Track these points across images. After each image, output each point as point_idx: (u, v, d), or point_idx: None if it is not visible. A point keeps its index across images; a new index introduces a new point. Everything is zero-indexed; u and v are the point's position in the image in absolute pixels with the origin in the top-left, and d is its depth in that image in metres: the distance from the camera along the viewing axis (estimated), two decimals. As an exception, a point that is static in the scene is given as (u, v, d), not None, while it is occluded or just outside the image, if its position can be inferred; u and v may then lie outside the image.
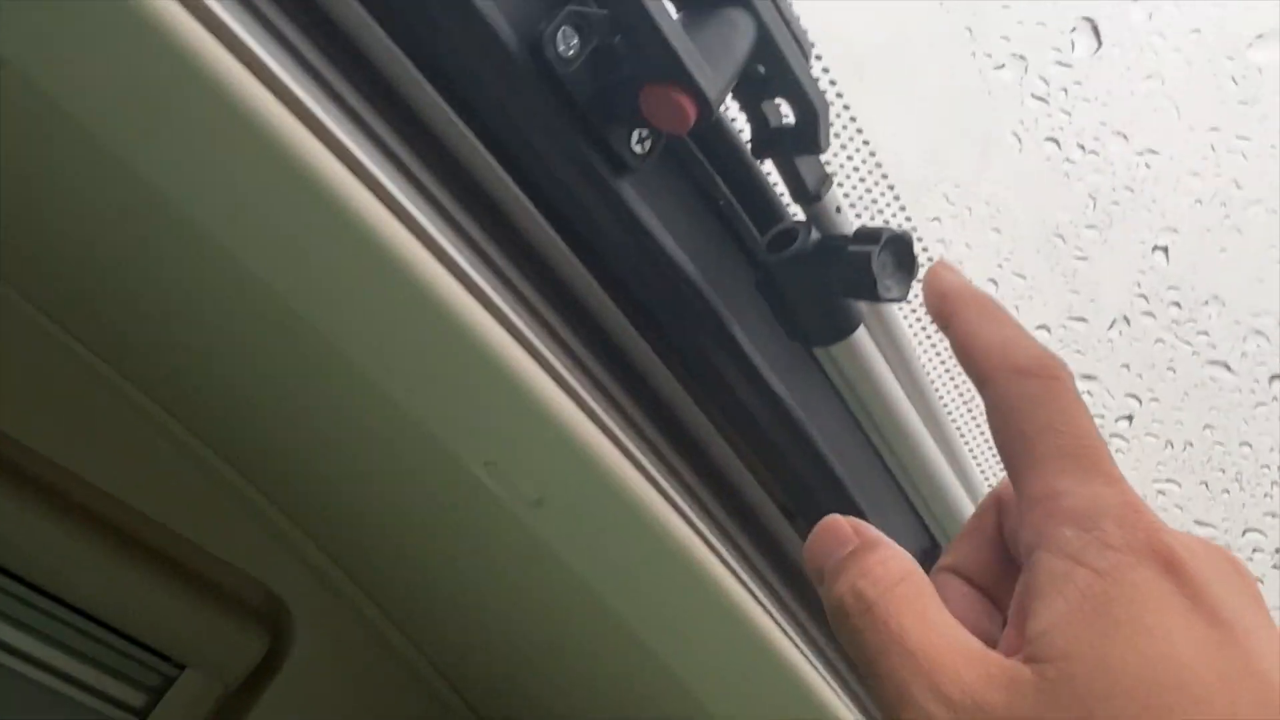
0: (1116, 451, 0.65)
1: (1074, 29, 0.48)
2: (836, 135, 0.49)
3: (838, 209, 0.47)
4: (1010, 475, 0.32)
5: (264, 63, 0.33)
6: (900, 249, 0.43)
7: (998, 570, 0.34)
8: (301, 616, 0.82)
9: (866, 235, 0.43)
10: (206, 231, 0.42)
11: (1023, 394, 0.32)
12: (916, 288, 0.43)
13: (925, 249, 0.55)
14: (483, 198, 0.42)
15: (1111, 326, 0.62)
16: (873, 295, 0.42)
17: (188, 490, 0.76)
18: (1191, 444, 0.70)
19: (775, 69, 0.42)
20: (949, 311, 0.35)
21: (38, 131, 0.46)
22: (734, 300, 0.47)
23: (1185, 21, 0.51)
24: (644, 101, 0.39)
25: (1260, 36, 0.52)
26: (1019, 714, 0.27)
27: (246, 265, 0.43)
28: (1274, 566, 0.79)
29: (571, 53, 0.39)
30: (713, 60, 0.39)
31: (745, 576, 0.51)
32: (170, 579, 0.75)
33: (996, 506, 0.35)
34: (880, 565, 0.31)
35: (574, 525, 0.50)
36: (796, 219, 0.48)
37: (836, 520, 0.33)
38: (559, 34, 0.39)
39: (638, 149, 0.42)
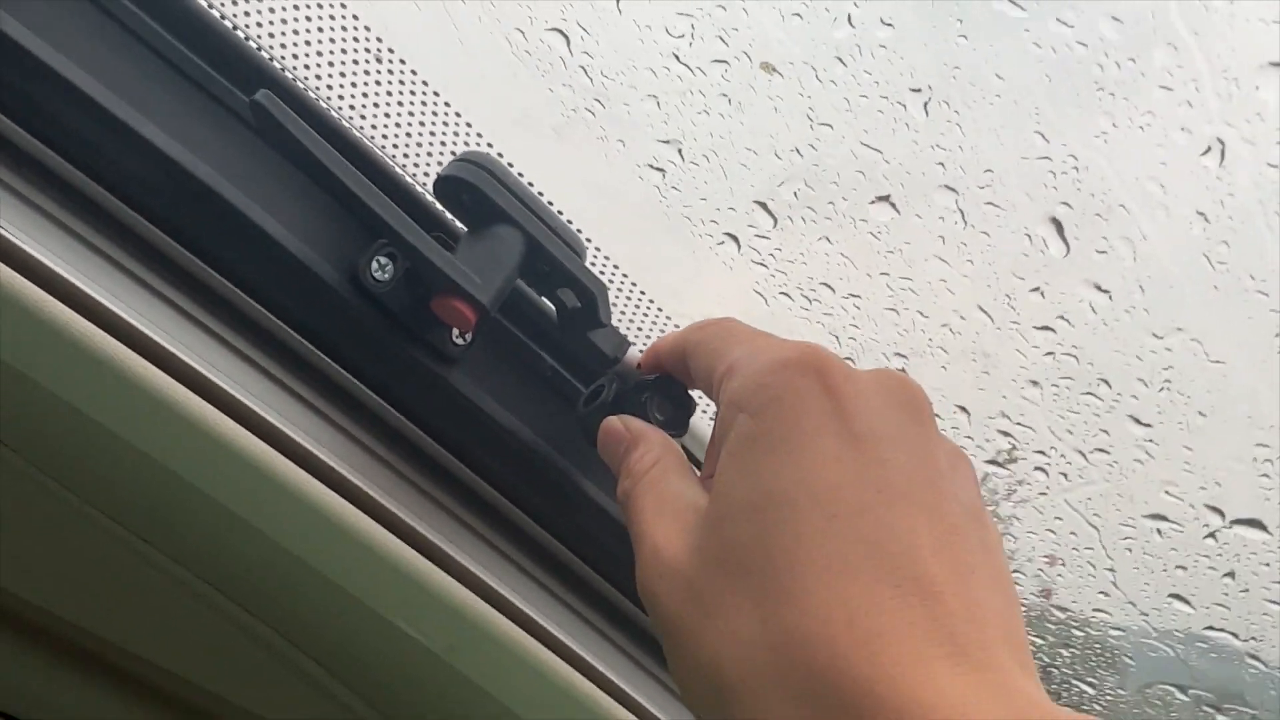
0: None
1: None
2: (636, 304, 0.59)
3: (638, 364, 0.57)
4: (712, 388, 0.37)
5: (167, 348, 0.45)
6: (674, 391, 0.52)
7: None
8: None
9: (648, 385, 0.53)
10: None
11: (705, 334, 0.39)
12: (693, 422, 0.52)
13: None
14: (349, 401, 0.53)
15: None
16: (660, 431, 0.52)
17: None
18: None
19: (552, 267, 0.53)
20: (654, 364, 0.46)
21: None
22: (562, 446, 0.56)
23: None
24: (435, 309, 0.50)
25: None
26: (689, 555, 0.31)
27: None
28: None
29: (386, 276, 0.50)
30: (484, 271, 0.50)
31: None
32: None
33: None
34: (638, 461, 0.36)
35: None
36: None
37: (612, 422, 0.41)
38: (374, 263, 0.50)
39: (459, 341, 0.53)
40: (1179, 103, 0.53)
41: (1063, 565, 0.88)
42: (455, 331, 0.53)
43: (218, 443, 0.46)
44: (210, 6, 0.46)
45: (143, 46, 0.47)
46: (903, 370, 0.68)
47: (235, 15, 0.46)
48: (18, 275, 0.41)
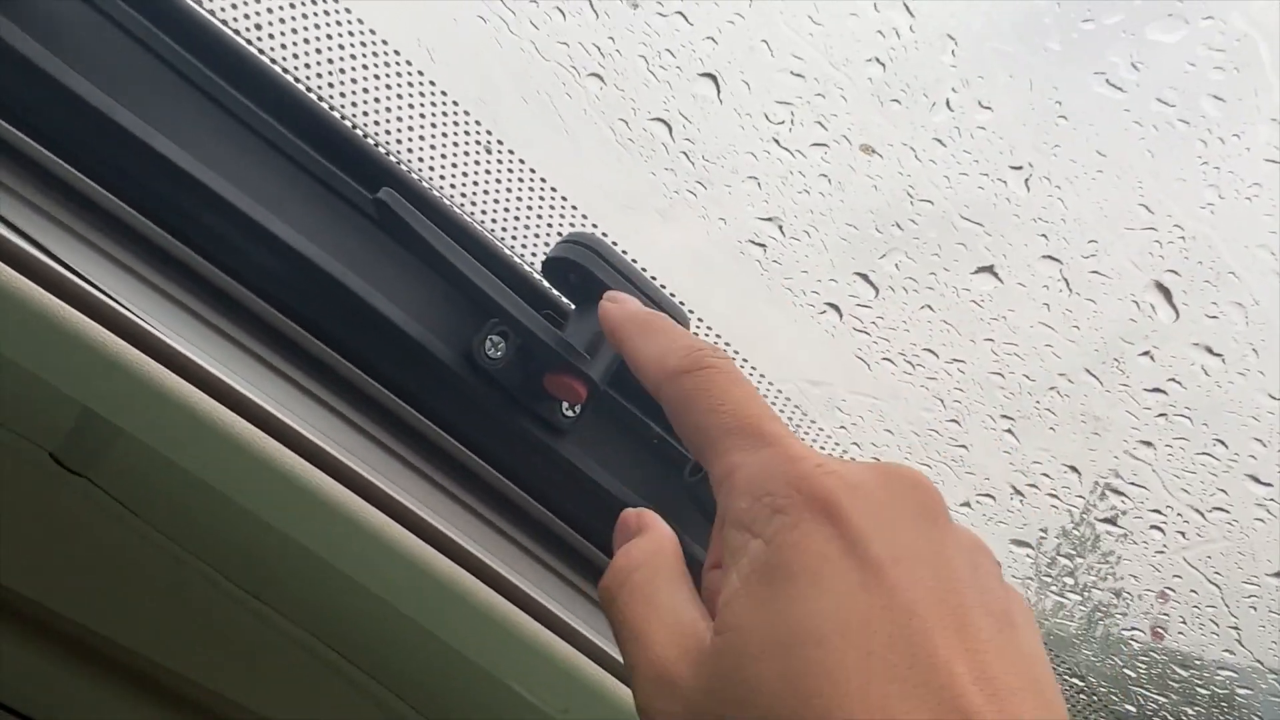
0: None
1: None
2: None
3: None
4: (702, 465, 0.34)
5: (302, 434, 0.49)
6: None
7: None
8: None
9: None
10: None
11: (683, 390, 0.35)
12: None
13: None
14: (472, 480, 0.56)
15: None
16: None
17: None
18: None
19: (659, 341, 0.55)
20: (617, 341, 0.39)
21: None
22: (670, 511, 0.59)
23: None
24: (547, 385, 0.52)
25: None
26: (696, 683, 0.29)
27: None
28: None
29: (498, 354, 0.53)
30: (593, 347, 0.52)
31: None
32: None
33: None
34: (624, 556, 0.34)
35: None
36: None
37: (625, 514, 0.37)
38: (487, 342, 0.53)
39: (569, 414, 0.56)
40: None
41: (1174, 602, 0.86)
42: (565, 404, 0.56)
43: (324, 503, 0.49)
44: (333, 109, 0.50)
45: (277, 154, 0.51)
46: (1008, 432, 0.69)
47: (356, 116, 0.50)
48: (171, 374, 0.45)
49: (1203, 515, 0.71)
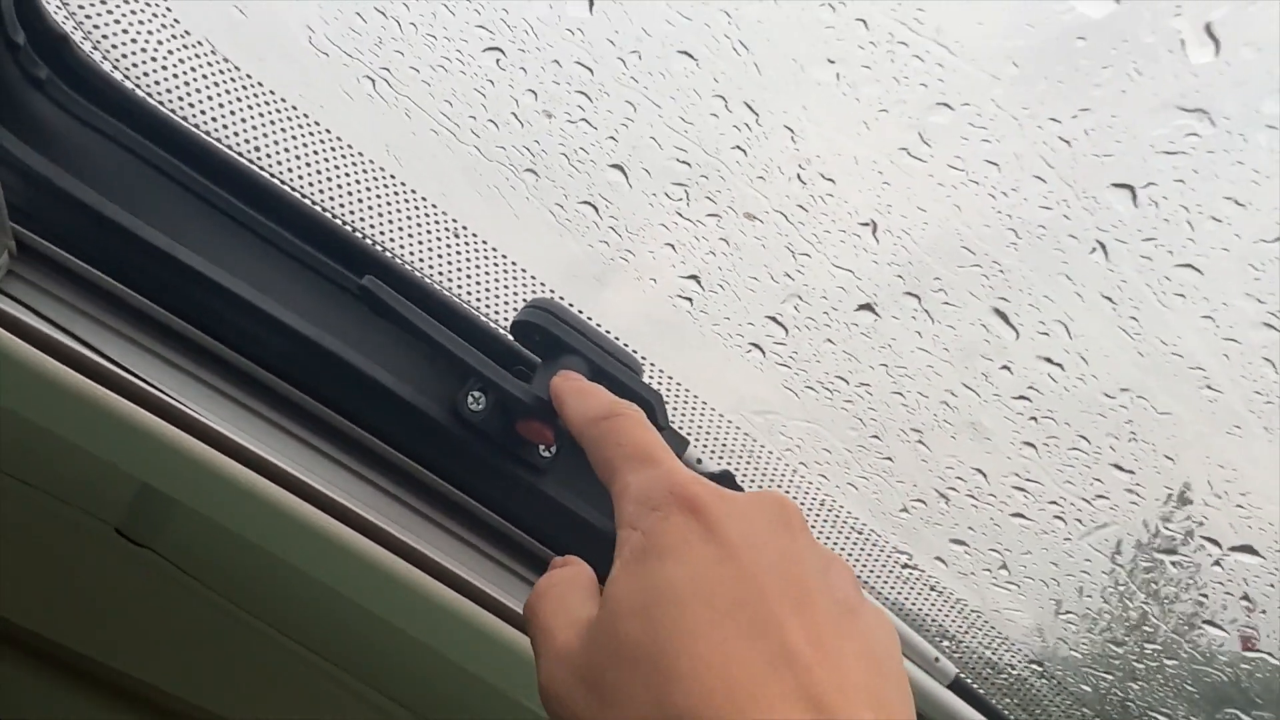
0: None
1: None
2: (691, 407, 0.71)
3: (698, 460, 0.69)
4: (608, 489, 0.40)
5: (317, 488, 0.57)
6: (726, 482, 0.64)
7: None
8: None
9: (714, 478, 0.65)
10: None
11: (598, 431, 0.42)
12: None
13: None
14: (470, 519, 0.64)
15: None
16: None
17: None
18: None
19: (613, 384, 0.65)
20: (559, 404, 0.48)
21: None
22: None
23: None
24: (520, 430, 0.62)
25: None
26: (582, 651, 0.34)
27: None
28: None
29: (479, 407, 0.63)
30: (558, 396, 0.62)
31: None
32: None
33: None
34: (545, 579, 0.40)
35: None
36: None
37: (554, 560, 0.44)
38: (469, 398, 0.63)
39: (546, 454, 0.65)
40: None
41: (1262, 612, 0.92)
42: (541, 446, 0.65)
43: (338, 545, 0.56)
44: (316, 204, 0.61)
45: (280, 254, 0.62)
46: (920, 443, 0.80)
47: (343, 211, 0.62)
48: (208, 448, 0.53)
49: (1089, 502, 0.82)
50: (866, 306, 0.72)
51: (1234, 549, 0.83)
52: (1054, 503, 0.83)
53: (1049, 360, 0.75)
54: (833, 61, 0.63)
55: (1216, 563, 0.84)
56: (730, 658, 0.31)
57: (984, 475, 0.80)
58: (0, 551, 0.67)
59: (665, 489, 0.36)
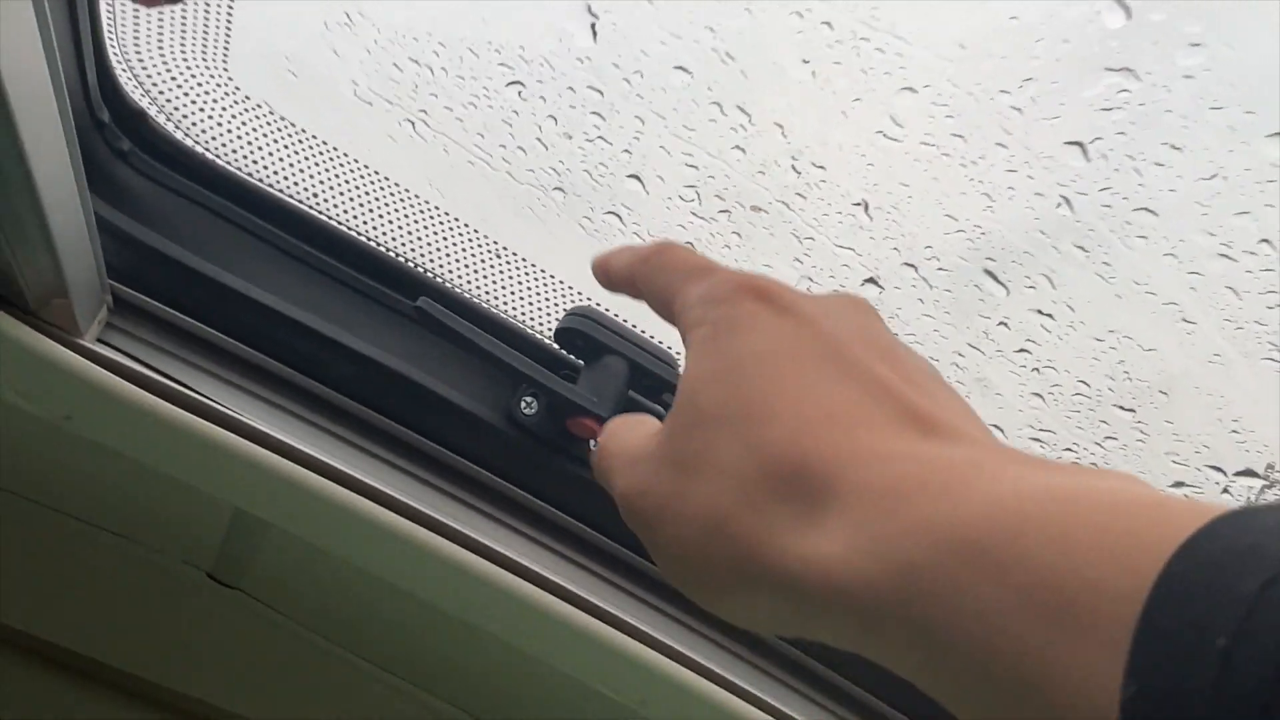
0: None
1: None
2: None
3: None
4: (672, 318, 0.37)
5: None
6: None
7: None
8: None
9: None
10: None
11: (649, 269, 0.39)
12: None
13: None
14: (518, 508, 0.70)
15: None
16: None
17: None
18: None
19: (653, 380, 0.71)
20: (602, 269, 0.42)
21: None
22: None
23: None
24: (570, 427, 0.68)
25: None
26: (655, 445, 0.33)
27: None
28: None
29: (532, 410, 0.69)
30: (601, 393, 0.68)
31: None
32: None
33: None
34: (606, 431, 0.38)
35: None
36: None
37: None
38: (522, 402, 0.69)
39: (594, 447, 0.71)
40: None
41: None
42: (592, 441, 0.71)
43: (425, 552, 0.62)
44: (370, 239, 0.68)
45: (338, 284, 0.69)
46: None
47: (395, 243, 0.68)
48: (300, 468, 0.59)
49: (1100, 445, 0.88)
50: (871, 280, 0.78)
51: (1238, 474, 0.89)
52: (1069, 449, 0.89)
53: (1040, 312, 0.82)
54: (807, 61, 0.70)
55: (1225, 490, 0.90)
56: (827, 394, 0.29)
57: (1001, 430, 0.86)
58: (105, 601, 0.72)
59: (730, 285, 0.34)
